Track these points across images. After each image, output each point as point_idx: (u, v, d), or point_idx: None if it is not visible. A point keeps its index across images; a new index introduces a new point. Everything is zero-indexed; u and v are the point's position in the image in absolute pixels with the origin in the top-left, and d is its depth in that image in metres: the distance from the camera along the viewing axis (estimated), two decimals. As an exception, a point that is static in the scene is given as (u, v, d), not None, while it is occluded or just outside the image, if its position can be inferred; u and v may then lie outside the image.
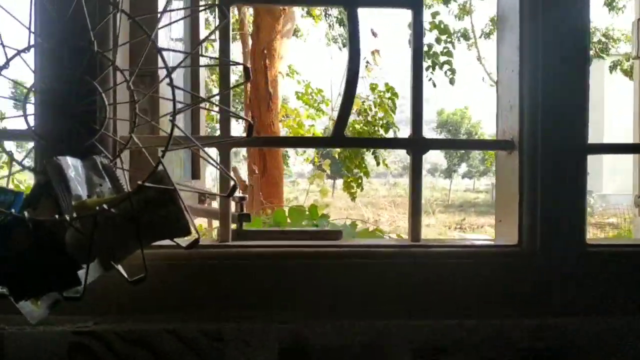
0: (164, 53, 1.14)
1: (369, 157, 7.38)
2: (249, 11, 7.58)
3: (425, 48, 6.79)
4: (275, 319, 1.16)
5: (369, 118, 7.51)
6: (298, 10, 8.28)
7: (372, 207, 22.20)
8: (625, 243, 1.32)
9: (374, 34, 8.32)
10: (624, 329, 1.23)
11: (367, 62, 7.68)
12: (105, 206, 0.97)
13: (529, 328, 1.20)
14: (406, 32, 7.24)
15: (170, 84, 1.03)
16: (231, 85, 1.16)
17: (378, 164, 7.61)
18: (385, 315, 1.20)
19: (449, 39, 6.68)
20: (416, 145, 1.26)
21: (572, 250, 1.25)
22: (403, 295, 1.22)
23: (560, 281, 1.24)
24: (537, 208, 1.24)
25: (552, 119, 1.24)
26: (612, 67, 13.95)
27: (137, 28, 1.18)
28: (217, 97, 1.33)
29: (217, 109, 1.22)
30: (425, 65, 6.79)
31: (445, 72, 6.73)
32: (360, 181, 7.40)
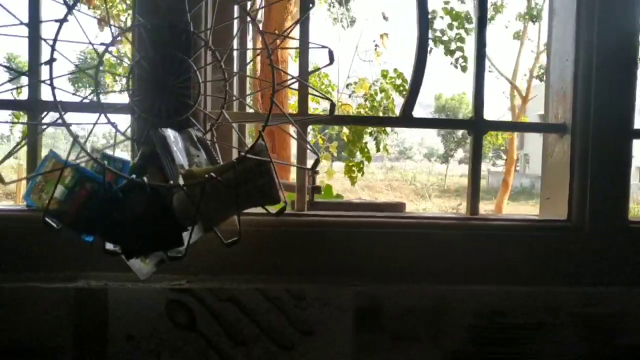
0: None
1: (370, 141, 7.45)
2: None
3: (438, 34, 6.85)
4: (350, 281, 1.28)
5: (375, 103, 7.56)
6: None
7: (369, 191, 22.34)
8: (663, 220, 1.44)
9: (385, 18, 8.36)
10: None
11: (376, 45, 7.72)
12: (213, 174, 1.08)
13: (577, 295, 1.33)
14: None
15: (271, 64, 1.13)
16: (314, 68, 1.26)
17: (378, 149, 7.67)
18: (448, 280, 1.31)
19: (461, 26, 6.72)
20: (477, 126, 1.37)
21: (617, 225, 1.36)
22: (463, 263, 1.34)
23: (606, 253, 1.36)
24: (587, 187, 1.35)
25: (603, 105, 1.35)
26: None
27: (220, 11, 1.29)
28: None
29: (297, 87, 1.32)
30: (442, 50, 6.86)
31: (457, 59, 6.77)
32: (361, 166, 7.48)
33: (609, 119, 1.35)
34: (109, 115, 1.18)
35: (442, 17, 6.78)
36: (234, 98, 1.34)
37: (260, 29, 1.16)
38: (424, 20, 1.35)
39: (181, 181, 1.09)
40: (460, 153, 32.94)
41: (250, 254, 1.27)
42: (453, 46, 6.62)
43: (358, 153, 7.32)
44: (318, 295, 1.25)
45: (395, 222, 1.34)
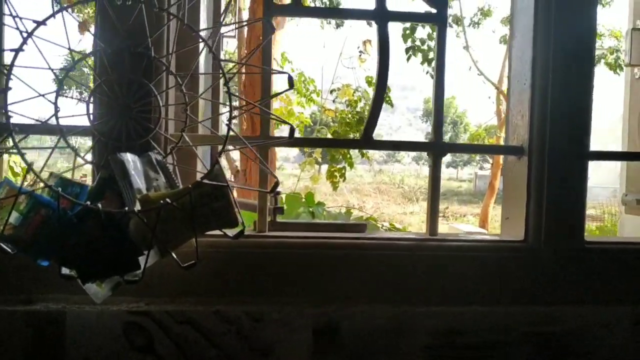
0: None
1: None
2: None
3: (418, 42, 6.88)
4: (309, 303, 1.30)
5: (358, 108, 7.60)
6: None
7: (357, 194, 22.42)
8: (618, 241, 1.47)
9: (369, 23, 8.39)
10: (614, 318, 1.38)
11: (361, 52, 7.76)
12: (168, 200, 1.09)
13: (532, 315, 1.35)
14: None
15: (228, 91, 1.14)
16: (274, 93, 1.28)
17: (362, 155, 7.72)
18: (407, 301, 1.34)
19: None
20: (437, 149, 1.39)
21: (573, 246, 1.39)
22: (422, 283, 1.36)
23: (561, 274, 1.39)
24: (543, 208, 1.38)
25: (559, 128, 1.38)
26: (597, 60, 14.22)
27: (184, 35, 1.30)
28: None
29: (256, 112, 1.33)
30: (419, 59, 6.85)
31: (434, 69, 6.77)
32: (343, 171, 7.52)
33: (565, 142, 1.38)
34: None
35: (422, 26, 6.80)
36: (195, 122, 1.35)
37: (217, 55, 1.17)
38: (385, 55, 1.37)
39: (137, 206, 1.10)
40: (448, 157, 33.08)
41: (209, 276, 1.29)
42: (431, 55, 6.63)
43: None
44: (276, 317, 1.27)
45: (355, 243, 1.36)
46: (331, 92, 7.76)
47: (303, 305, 1.29)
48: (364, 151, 7.18)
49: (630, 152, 1.68)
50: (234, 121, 1.18)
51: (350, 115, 7.49)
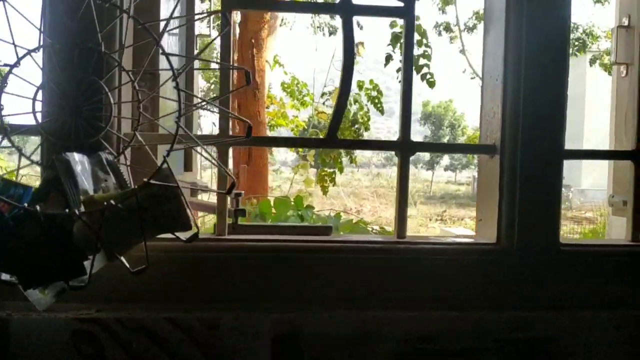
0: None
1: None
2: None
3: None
4: (269, 309, 1.24)
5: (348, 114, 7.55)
6: None
7: (355, 197, 22.34)
8: (594, 243, 1.41)
9: (360, 27, 8.37)
10: (591, 323, 1.32)
11: (357, 52, 7.72)
12: (112, 201, 1.04)
13: (505, 320, 1.29)
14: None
15: (177, 87, 1.09)
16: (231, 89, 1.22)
17: (351, 161, 7.67)
18: (373, 306, 1.28)
19: (427, 43, 6.63)
20: (404, 148, 1.33)
21: (547, 248, 1.34)
22: (389, 287, 1.30)
23: (535, 277, 1.34)
24: (515, 209, 1.33)
25: (532, 126, 1.32)
26: (592, 61, 14.23)
27: (140, 30, 1.24)
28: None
29: (217, 110, 1.28)
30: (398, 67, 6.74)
31: (424, 75, 6.65)
32: (334, 176, 7.46)
33: (539, 140, 1.33)
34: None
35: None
36: (149, 120, 1.29)
37: (165, 49, 1.11)
38: (350, 49, 1.32)
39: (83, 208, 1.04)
40: (446, 160, 33.06)
41: (163, 282, 1.23)
42: (421, 62, 6.54)
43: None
44: (233, 324, 1.20)
45: (319, 247, 1.30)
46: (322, 95, 7.72)
47: (262, 312, 1.23)
48: (353, 156, 7.15)
49: (607, 150, 1.63)
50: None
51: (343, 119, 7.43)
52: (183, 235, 1.14)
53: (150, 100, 1.46)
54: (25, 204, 1.02)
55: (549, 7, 1.33)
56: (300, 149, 9.08)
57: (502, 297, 1.33)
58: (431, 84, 6.64)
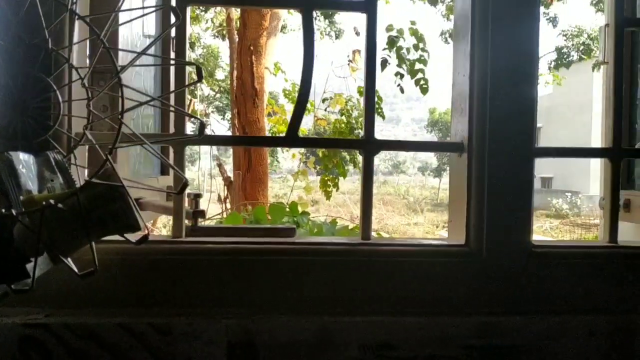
0: (123, 51, 1.16)
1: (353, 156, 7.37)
2: (237, 9, 7.58)
3: (404, 52, 6.70)
4: (224, 314, 1.19)
5: (351, 119, 7.50)
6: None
7: (361, 205, 22.24)
8: (568, 244, 1.35)
9: (357, 33, 8.34)
10: (564, 328, 1.26)
11: (350, 61, 7.69)
12: (52, 201, 0.99)
13: (474, 326, 1.24)
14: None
15: (119, 82, 1.05)
16: (186, 83, 1.19)
17: (354, 165, 7.61)
18: (334, 311, 1.23)
19: (424, 48, 6.51)
20: (368, 146, 1.29)
21: (518, 250, 1.28)
22: (350, 291, 1.25)
23: (505, 280, 1.28)
24: (484, 209, 1.28)
25: (501, 123, 1.27)
26: (595, 66, 14.14)
27: (84, 26, 1.21)
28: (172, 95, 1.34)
29: (171, 107, 1.24)
30: (398, 70, 6.65)
31: (418, 81, 6.51)
32: (337, 181, 7.40)
33: (507, 137, 1.28)
34: (-39, 137, 1.10)
35: (403, 39, 6.62)
36: (100, 118, 1.25)
37: (107, 45, 1.08)
38: (310, 44, 1.28)
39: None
40: (411, 152, 32.78)
41: (115, 286, 1.19)
42: (417, 66, 6.43)
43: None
44: (186, 330, 1.16)
45: (278, 249, 1.26)
46: (323, 101, 7.68)
47: (216, 317, 1.18)
48: (356, 161, 7.09)
49: (581, 148, 1.58)
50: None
51: (343, 125, 7.40)
52: (133, 237, 1.10)
53: (110, 99, 1.43)
54: (-41, 204, 0.98)
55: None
56: (301, 157, 9.05)
57: (470, 301, 1.28)
58: (424, 90, 6.53)
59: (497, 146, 1.27)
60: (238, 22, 7.69)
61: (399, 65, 6.44)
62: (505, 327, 1.25)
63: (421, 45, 6.33)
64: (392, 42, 6.28)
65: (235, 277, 1.23)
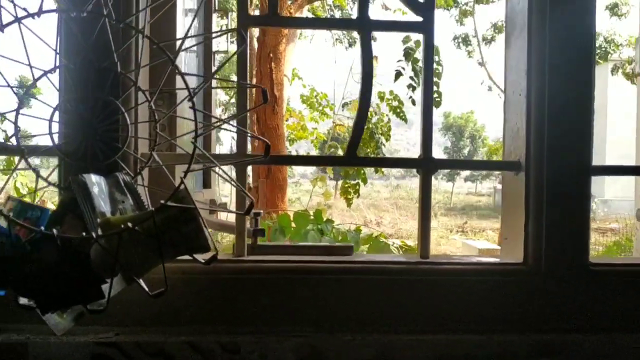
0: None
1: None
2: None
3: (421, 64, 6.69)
4: (290, 332, 1.21)
5: (370, 125, 7.50)
6: (304, 12, 8.29)
7: (374, 209, 22.22)
8: (626, 262, 1.36)
9: (374, 39, 8.37)
10: (621, 345, 1.27)
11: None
12: (129, 224, 1.02)
13: (533, 343, 1.24)
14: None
15: (193, 107, 1.07)
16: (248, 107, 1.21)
17: (376, 171, 7.60)
18: (396, 329, 1.24)
19: (439, 61, 6.45)
20: (426, 165, 1.30)
21: (576, 269, 1.29)
22: (412, 309, 1.27)
23: (563, 299, 1.29)
24: (542, 228, 1.28)
25: (558, 142, 1.28)
26: (614, 70, 14.03)
27: (156, 50, 1.24)
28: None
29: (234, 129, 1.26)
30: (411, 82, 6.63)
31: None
32: (357, 187, 7.40)
33: (565, 155, 1.29)
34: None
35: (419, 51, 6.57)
36: (166, 139, 1.28)
37: (180, 68, 1.10)
38: (368, 64, 1.29)
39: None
40: (466, 170, 32.72)
41: (182, 305, 1.21)
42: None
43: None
44: (254, 348, 1.18)
45: (340, 268, 1.27)
46: (343, 106, 7.70)
47: (284, 335, 1.20)
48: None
49: (636, 166, 1.57)
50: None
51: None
52: (201, 257, 1.12)
53: (167, 119, 1.46)
54: (42, 228, 1.01)
55: (574, 18, 1.29)
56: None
57: (528, 320, 1.28)
58: (437, 104, 6.48)
59: (554, 165, 1.28)
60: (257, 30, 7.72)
61: (412, 78, 6.40)
62: (565, 345, 1.25)
63: (436, 58, 6.28)
64: (407, 54, 6.27)
65: (298, 295, 1.25)
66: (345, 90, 7.76)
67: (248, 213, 1.20)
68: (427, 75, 1.31)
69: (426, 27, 1.30)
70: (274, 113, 7.12)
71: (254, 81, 7.27)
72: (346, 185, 7.27)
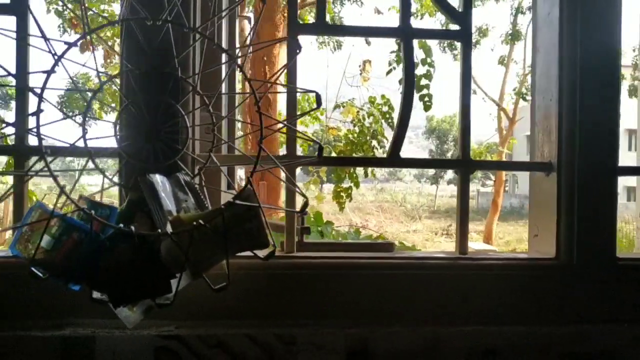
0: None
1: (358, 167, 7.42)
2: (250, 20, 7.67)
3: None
4: (341, 324, 1.27)
5: (364, 128, 7.58)
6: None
7: (360, 212, 22.35)
8: (651, 257, 1.45)
9: (368, 42, 8.47)
10: (650, 335, 1.35)
11: (361, 71, 7.80)
12: (201, 221, 1.07)
13: (567, 334, 1.32)
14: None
15: (258, 111, 1.14)
16: (301, 112, 1.27)
17: (366, 175, 7.68)
18: (439, 321, 1.31)
19: (432, 62, 6.54)
20: (464, 165, 1.38)
21: (605, 263, 1.37)
22: (453, 302, 1.34)
23: (594, 291, 1.37)
24: (574, 225, 1.36)
25: (588, 143, 1.37)
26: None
27: (208, 55, 1.30)
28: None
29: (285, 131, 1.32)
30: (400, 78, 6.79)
31: (423, 96, 6.51)
32: (349, 191, 7.45)
33: (594, 157, 1.37)
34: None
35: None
36: (223, 142, 1.34)
37: (247, 75, 1.16)
38: (411, 70, 1.37)
39: (169, 228, 1.08)
40: (449, 174, 33.04)
41: (239, 299, 1.27)
42: (423, 82, 6.46)
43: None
44: (309, 340, 1.24)
45: (384, 263, 1.34)
46: (335, 108, 7.77)
47: (336, 327, 1.26)
48: (369, 169, 7.15)
49: (659, 167, 1.67)
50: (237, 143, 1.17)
51: (355, 135, 7.48)
52: (260, 253, 1.17)
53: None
54: (121, 225, 1.06)
55: (601, 26, 1.38)
56: (310, 166, 9.11)
57: (563, 311, 1.36)
58: (427, 107, 6.58)
59: (584, 165, 1.37)
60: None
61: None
62: (597, 335, 1.34)
63: (429, 59, 6.39)
64: (399, 58, 6.38)
65: (346, 289, 1.31)
66: (337, 94, 7.84)
67: (302, 211, 1.26)
68: (465, 81, 1.38)
69: (464, 35, 1.38)
70: (271, 119, 7.17)
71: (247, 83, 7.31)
72: (338, 190, 7.33)
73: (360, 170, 7.35)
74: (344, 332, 1.25)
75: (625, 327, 1.36)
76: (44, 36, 1.06)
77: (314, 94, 1.22)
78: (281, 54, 7.54)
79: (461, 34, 1.38)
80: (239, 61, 1.63)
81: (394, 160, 1.38)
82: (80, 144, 1.14)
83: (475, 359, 1.29)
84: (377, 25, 1.37)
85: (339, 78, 8.02)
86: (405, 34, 1.37)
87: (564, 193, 1.38)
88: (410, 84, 1.37)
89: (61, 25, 8.22)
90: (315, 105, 1.22)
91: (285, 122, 1.23)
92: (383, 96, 7.44)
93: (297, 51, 1.31)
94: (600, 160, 1.37)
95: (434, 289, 1.34)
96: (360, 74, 7.86)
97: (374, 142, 7.58)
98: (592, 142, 1.37)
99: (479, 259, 1.37)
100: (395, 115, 7.55)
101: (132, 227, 1.06)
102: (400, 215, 24.42)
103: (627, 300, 1.39)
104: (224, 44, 1.54)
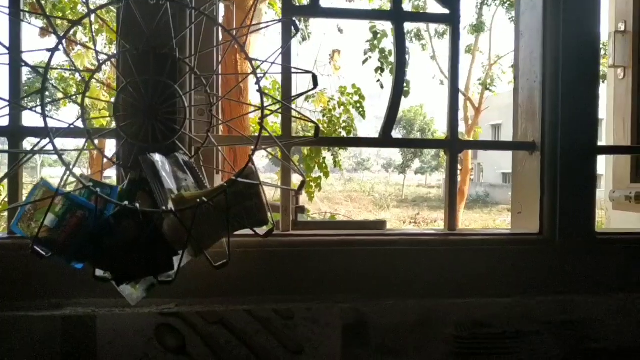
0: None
1: (327, 156, 7.45)
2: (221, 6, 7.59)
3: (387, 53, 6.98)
4: (337, 299, 1.31)
5: (334, 119, 7.61)
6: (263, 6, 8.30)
7: (329, 202, 22.46)
8: (627, 232, 1.53)
9: (340, 30, 8.49)
10: (625, 305, 1.43)
11: (330, 60, 7.82)
12: (204, 199, 1.09)
13: (550, 304, 1.39)
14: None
15: (259, 90, 1.16)
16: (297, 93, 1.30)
17: (335, 165, 7.71)
18: (430, 294, 1.36)
19: (407, 50, 6.65)
20: (453, 145, 1.42)
21: (585, 237, 1.44)
22: (444, 277, 1.39)
23: (575, 264, 1.44)
24: (557, 202, 1.43)
25: (570, 124, 1.43)
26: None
27: (205, 37, 1.31)
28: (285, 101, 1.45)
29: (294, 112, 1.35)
30: (376, 66, 6.92)
31: None
32: (319, 181, 7.48)
33: (576, 136, 1.44)
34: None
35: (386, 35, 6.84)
36: (220, 122, 1.36)
37: (247, 54, 1.18)
38: (401, 52, 1.40)
39: (171, 206, 1.10)
40: (416, 163, 33.48)
41: (238, 276, 1.29)
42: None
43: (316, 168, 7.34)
44: (306, 314, 1.27)
45: (378, 240, 1.38)
46: (306, 99, 7.77)
47: (332, 302, 1.30)
48: (337, 160, 7.21)
49: (638, 146, 1.75)
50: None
51: (325, 125, 7.50)
52: (259, 231, 1.20)
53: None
54: (126, 203, 1.07)
55: (584, 11, 1.44)
56: (279, 154, 9.09)
57: (546, 283, 1.43)
58: (406, 93, 6.72)
59: (566, 145, 1.43)
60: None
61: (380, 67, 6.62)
62: (578, 305, 1.41)
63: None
64: (374, 46, 6.47)
65: (341, 265, 1.35)
66: (308, 84, 7.82)
67: (300, 190, 1.29)
68: (454, 65, 1.43)
69: (453, 19, 1.42)
70: (239, 105, 7.13)
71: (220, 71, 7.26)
72: (308, 180, 7.35)
73: (329, 161, 7.39)
74: (340, 306, 1.29)
75: (604, 296, 1.43)
76: (45, 14, 1.06)
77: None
78: (252, 42, 7.50)
79: (450, 17, 1.43)
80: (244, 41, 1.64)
81: (386, 140, 1.42)
82: (79, 124, 1.15)
83: (464, 329, 1.35)
84: (371, 9, 1.40)
85: (310, 67, 8.03)
86: (396, 17, 1.40)
87: (547, 172, 1.44)
88: (401, 66, 1.41)
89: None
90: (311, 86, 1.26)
91: (283, 102, 1.25)
92: (354, 86, 7.47)
93: (294, 32, 1.33)
94: (581, 139, 1.44)
95: (425, 264, 1.38)
96: (330, 63, 7.88)
97: (344, 133, 7.61)
98: (573, 122, 1.43)
99: (467, 235, 1.43)
100: (366, 104, 7.62)
101: (137, 204, 1.07)
102: (369, 204, 24.62)
103: (606, 272, 1.46)
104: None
